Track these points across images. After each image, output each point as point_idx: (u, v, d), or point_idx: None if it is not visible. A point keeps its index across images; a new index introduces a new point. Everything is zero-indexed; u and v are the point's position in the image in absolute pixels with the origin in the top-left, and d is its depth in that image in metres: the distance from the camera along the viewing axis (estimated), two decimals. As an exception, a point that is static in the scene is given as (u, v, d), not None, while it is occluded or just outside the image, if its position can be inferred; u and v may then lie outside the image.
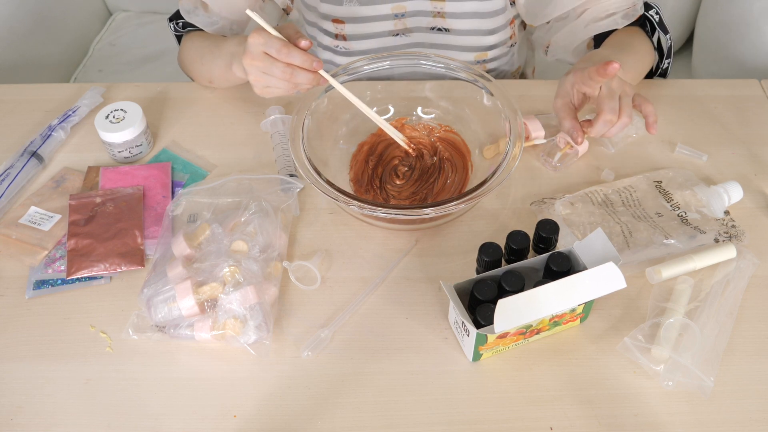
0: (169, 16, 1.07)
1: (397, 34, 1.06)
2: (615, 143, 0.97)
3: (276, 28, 0.82)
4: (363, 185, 0.92)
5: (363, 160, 0.94)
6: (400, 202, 0.91)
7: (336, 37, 1.06)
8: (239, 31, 1.06)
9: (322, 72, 0.83)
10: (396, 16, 1.04)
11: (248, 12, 0.82)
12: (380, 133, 0.96)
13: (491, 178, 0.81)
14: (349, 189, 0.91)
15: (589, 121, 0.85)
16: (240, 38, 0.92)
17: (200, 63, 1.02)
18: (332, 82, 0.85)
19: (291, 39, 0.82)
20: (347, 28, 1.05)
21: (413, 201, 0.91)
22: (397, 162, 0.94)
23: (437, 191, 0.91)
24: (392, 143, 0.96)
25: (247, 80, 0.87)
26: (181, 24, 1.06)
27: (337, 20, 1.04)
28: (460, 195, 0.79)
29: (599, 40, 1.02)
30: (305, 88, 0.85)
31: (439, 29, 1.05)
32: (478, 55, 1.08)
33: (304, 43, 0.81)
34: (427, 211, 0.78)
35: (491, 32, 1.05)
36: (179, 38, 1.10)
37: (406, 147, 0.92)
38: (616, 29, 0.99)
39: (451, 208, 0.78)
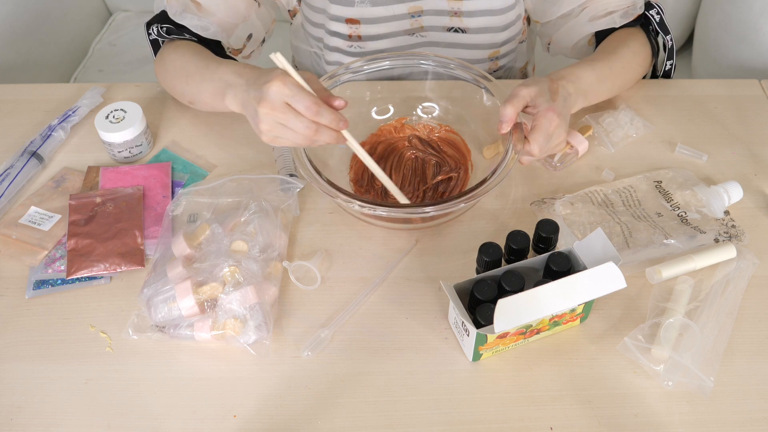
0: None
1: (413, 34, 1.06)
2: (615, 143, 0.97)
3: (299, 74, 0.76)
4: (363, 185, 0.92)
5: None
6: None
7: (350, 37, 1.06)
8: (226, 37, 1.02)
9: (344, 132, 0.78)
10: (412, 16, 1.04)
11: (273, 56, 0.75)
12: (379, 134, 0.96)
13: (491, 177, 0.81)
14: (349, 189, 0.91)
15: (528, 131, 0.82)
16: (236, 67, 0.85)
17: (185, 82, 0.94)
18: (352, 143, 0.80)
19: (320, 94, 0.76)
20: (363, 29, 1.04)
21: (413, 201, 0.91)
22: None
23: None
24: (392, 143, 0.96)
25: (234, 111, 0.84)
26: (165, 29, 0.98)
27: (351, 20, 1.03)
28: (460, 194, 0.79)
29: (601, 37, 1.02)
30: (321, 144, 0.78)
31: (455, 30, 1.05)
32: (491, 53, 1.08)
33: (338, 103, 0.77)
34: (427, 209, 0.78)
35: (504, 28, 1.05)
36: (155, 44, 1.02)
37: (404, 201, 0.88)
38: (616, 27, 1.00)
39: (451, 207, 0.78)
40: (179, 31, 0.98)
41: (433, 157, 0.95)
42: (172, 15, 0.96)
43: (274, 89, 0.74)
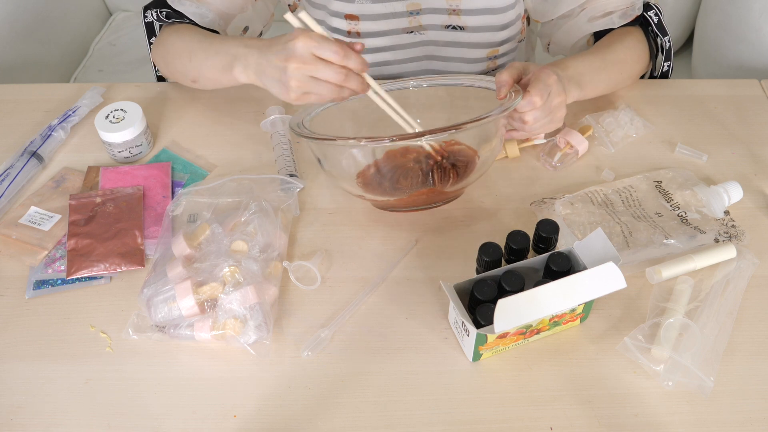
0: None
1: (411, 32, 1.06)
2: (615, 143, 0.97)
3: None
4: (372, 187, 0.90)
5: (372, 172, 0.92)
6: (411, 198, 0.88)
7: (348, 33, 1.06)
8: (223, 27, 1.03)
9: (365, 75, 0.80)
10: (410, 14, 1.04)
11: (289, 16, 0.76)
12: (386, 157, 0.94)
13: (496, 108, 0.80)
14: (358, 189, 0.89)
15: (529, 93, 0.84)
16: (242, 40, 0.88)
17: (188, 59, 0.95)
18: (374, 87, 0.81)
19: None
20: (362, 26, 1.04)
21: (424, 197, 0.89)
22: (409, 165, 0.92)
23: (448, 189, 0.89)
24: (399, 164, 0.93)
25: (240, 84, 0.84)
26: (164, 13, 1.00)
27: (350, 16, 1.04)
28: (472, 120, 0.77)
29: (600, 37, 1.02)
30: (346, 96, 0.79)
31: (454, 27, 1.05)
32: (490, 52, 1.08)
33: (359, 46, 0.78)
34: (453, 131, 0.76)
35: (503, 27, 1.05)
36: (149, 26, 1.03)
37: (432, 153, 0.88)
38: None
39: (467, 126, 0.76)
40: (179, 15, 0.99)
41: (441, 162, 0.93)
42: (171, 1, 0.98)
43: (301, 44, 0.75)
